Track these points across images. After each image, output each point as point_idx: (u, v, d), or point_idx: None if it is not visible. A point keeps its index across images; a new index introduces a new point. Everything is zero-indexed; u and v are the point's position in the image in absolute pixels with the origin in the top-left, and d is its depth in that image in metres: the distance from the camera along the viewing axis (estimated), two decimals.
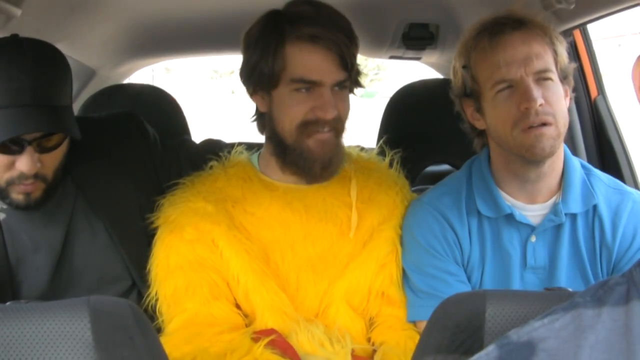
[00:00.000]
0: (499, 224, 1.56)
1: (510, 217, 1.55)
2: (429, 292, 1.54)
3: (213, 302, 1.51)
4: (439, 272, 1.55)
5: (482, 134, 1.61)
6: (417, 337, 1.48)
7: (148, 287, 1.56)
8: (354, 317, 1.57)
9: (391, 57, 2.96)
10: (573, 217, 1.55)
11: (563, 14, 1.77)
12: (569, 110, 1.56)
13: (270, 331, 1.49)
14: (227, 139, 2.00)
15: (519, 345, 0.84)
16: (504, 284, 1.55)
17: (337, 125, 1.55)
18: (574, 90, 1.63)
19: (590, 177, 1.58)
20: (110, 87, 2.67)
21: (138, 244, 1.59)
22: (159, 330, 1.52)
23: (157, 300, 1.54)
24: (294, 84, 1.51)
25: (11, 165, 1.43)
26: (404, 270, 1.60)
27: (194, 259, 1.52)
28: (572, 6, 1.69)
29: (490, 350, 0.87)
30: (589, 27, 2.20)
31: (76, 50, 2.35)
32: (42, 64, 1.43)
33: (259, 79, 1.54)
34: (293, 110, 1.52)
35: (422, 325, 1.34)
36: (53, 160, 1.48)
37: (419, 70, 2.57)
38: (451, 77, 1.63)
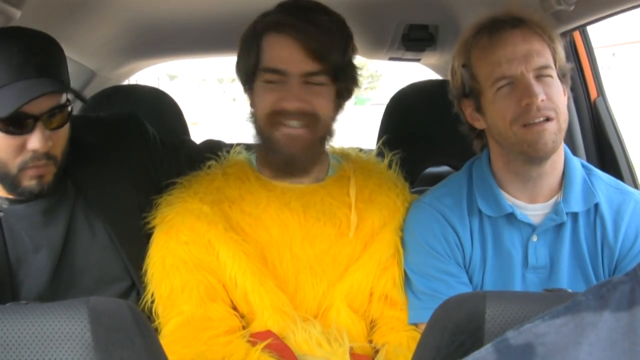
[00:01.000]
0: (500, 223, 1.56)
1: (511, 217, 1.55)
2: (430, 293, 1.54)
3: (209, 303, 1.51)
4: (440, 274, 1.55)
5: (481, 134, 1.61)
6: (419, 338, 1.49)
7: (145, 287, 1.56)
8: (354, 319, 1.56)
9: (391, 59, 2.96)
10: (574, 216, 1.55)
11: (563, 15, 1.77)
12: (568, 109, 1.56)
13: (267, 334, 1.49)
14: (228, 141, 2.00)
15: (517, 346, 0.84)
16: (506, 283, 1.55)
17: (311, 123, 1.53)
18: (573, 90, 1.64)
19: (591, 177, 1.58)
20: (110, 88, 2.67)
21: (137, 244, 1.59)
22: (156, 330, 1.52)
23: (153, 301, 1.54)
24: (265, 74, 1.53)
25: (22, 148, 1.43)
26: (405, 272, 1.60)
27: (190, 260, 1.52)
28: (572, 8, 1.69)
29: (491, 350, 0.86)
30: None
31: (76, 52, 2.35)
32: (40, 42, 1.46)
33: (243, 76, 1.59)
34: (263, 101, 1.54)
35: (423, 327, 1.34)
36: (60, 139, 1.49)
37: (413, 78, 2.58)
38: (449, 77, 1.63)
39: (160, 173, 1.71)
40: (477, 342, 1.04)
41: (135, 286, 1.61)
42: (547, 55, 1.49)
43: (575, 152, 2.18)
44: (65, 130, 1.50)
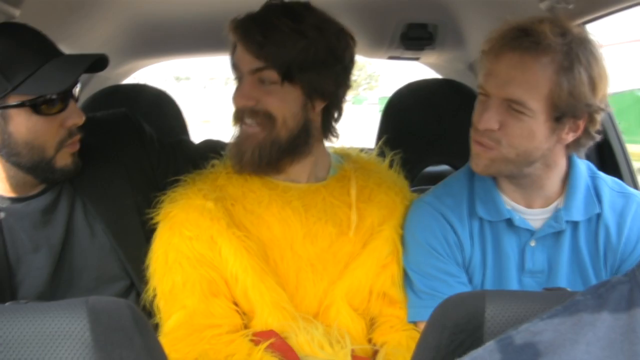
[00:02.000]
0: (500, 227, 1.56)
1: (510, 221, 1.55)
2: (430, 292, 1.54)
3: (212, 299, 1.51)
4: (440, 273, 1.55)
5: None
6: (418, 337, 1.49)
7: (146, 283, 1.56)
8: (354, 318, 1.57)
9: (390, 58, 2.96)
10: (575, 224, 1.55)
11: (562, 13, 1.77)
12: None
13: (270, 333, 1.49)
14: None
15: (518, 345, 0.84)
16: (503, 286, 1.55)
17: (265, 122, 1.53)
18: None
19: (596, 181, 1.58)
20: (109, 88, 2.67)
21: (135, 244, 1.59)
22: (157, 326, 1.52)
23: (155, 296, 1.54)
24: (233, 72, 1.58)
25: (60, 126, 1.46)
26: (404, 271, 1.60)
27: (193, 255, 1.52)
28: (571, 6, 1.69)
29: (491, 349, 0.87)
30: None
31: (75, 51, 2.33)
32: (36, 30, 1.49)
33: None
34: (232, 98, 1.57)
35: (423, 326, 1.34)
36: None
37: (410, 78, 2.58)
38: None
39: (158, 172, 1.71)
40: (476, 342, 1.04)
41: (134, 286, 1.61)
42: (530, 91, 1.41)
43: None
44: None
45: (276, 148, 1.54)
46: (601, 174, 1.61)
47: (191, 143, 1.96)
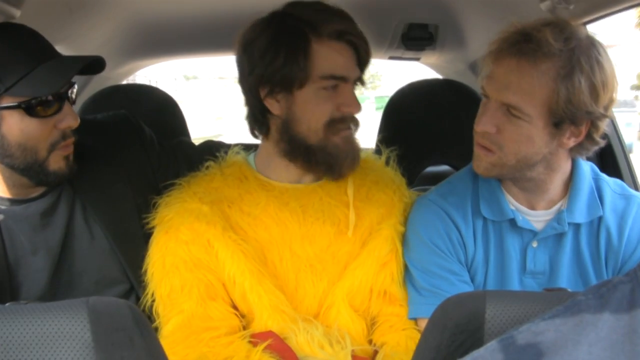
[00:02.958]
0: (503, 227, 1.56)
1: (513, 222, 1.55)
2: (432, 290, 1.54)
3: (209, 302, 1.51)
4: (443, 271, 1.55)
5: None
6: (417, 336, 1.49)
7: (145, 287, 1.56)
8: (355, 318, 1.56)
9: (390, 58, 2.96)
10: (577, 226, 1.55)
11: (562, 14, 1.77)
12: None
13: (268, 334, 1.49)
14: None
15: (520, 345, 0.84)
16: (504, 287, 1.55)
17: (355, 122, 1.59)
18: None
19: (598, 182, 1.58)
20: (110, 88, 2.67)
21: (136, 247, 1.58)
22: (157, 330, 1.52)
23: (154, 300, 1.54)
24: (323, 81, 1.51)
25: (52, 129, 1.45)
26: (406, 267, 1.60)
27: (190, 259, 1.52)
28: (572, 6, 1.69)
29: (493, 348, 0.86)
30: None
31: (75, 51, 2.34)
32: (34, 30, 1.49)
33: (281, 81, 1.51)
34: (320, 109, 1.52)
35: (423, 322, 1.34)
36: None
37: (411, 78, 2.59)
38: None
39: (158, 174, 1.70)
40: (477, 342, 1.04)
41: (134, 289, 1.61)
42: (527, 98, 1.40)
43: None
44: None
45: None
46: (604, 176, 1.61)
47: (191, 144, 1.95)
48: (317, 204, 1.60)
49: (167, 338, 1.48)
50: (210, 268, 1.52)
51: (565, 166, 1.54)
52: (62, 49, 1.55)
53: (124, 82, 3.18)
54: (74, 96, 1.52)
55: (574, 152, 1.52)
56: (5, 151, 1.43)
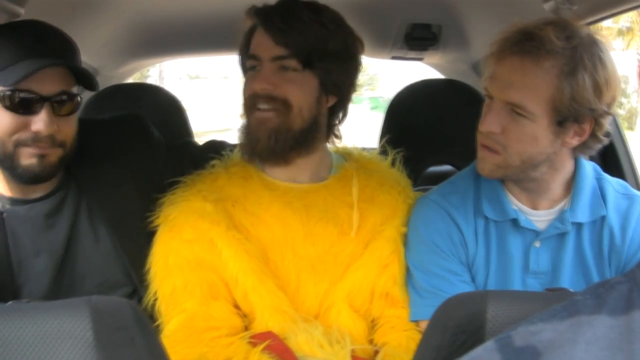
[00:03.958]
0: (505, 227, 1.56)
1: (516, 221, 1.54)
2: (432, 291, 1.53)
3: (212, 302, 1.50)
4: (443, 272, 1.55)
5: None
6: (419, 337, 1.48)
7: (147, 287, 1.55)
8: (355, 319, 1.56)
9: (393, 58, 2.96)
10: (579, 225, 1.54)
11: (565, 14, 1.77)
12: None
13: (268, 335, 1.48)
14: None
15: (517, 345, 0.84)
16: (506, 287, 1.55)
17: (280, 107, 1.54)
18: None
19: (601, 182, 1.57)
20: (112, 87, 2.68)
21: (140, 250, 1.57)
22: (159, 329, 1.51)
23: (156, 299, 1.54)
24: (247, 62, 1.59)
25: (24, 127, 1.43)
26: (407, 269, 1.60)
27: (193, 258, 1.52)
28: (575, 7, 1.69)
29: (491, 348, 0.86)
30: None
31: None
32: (54, 31, 1.50)
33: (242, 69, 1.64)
34: (245, 88, 1.58)
35: (425, 324, 1.34)
36: (68, 126, 1.49)
37: (409, 79, 2.59)
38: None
39: (164, 176, 1.69)
40: (478, 342, 1.04)
41: (137, 292, 1.60)
42: (530, 95, 1.40)
43: None
44: (73, 119, 1.51)
45: (290, 136, 1.56)
46: (606, 176, 1.61)
47: (196, 145, 1.95)
48: (321, 203, 1.59)
49: (169, 337, 1.48)
50: (213, 267, 1.52)
51: (568, 166, 1.54)
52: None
53: (130, 80, 3.19)
54: (62, 107, 1.47)
55: (578, 151, 1.52)
56: None
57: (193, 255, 1.52)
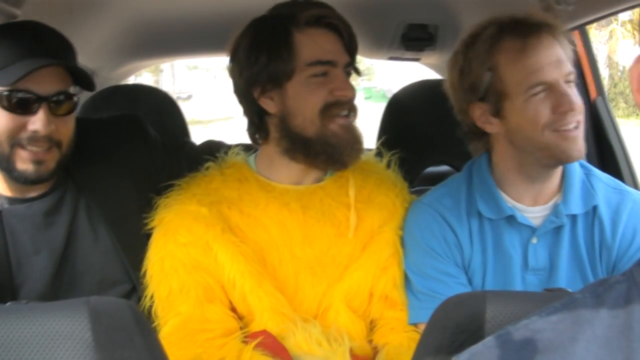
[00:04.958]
0: (500, 225, 1.56)
1: (511, 219, 1.54)
2: (429, 294, 1.54)
3: (207, 305, 1.50)
4: (439, 274, 1.55)
5: (483, 137, 1.59)
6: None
7: (145, 289, 1.56)
8: (354, 319, 1.56)
9: (390, 58, 2.96)
10: (573, 218, 1.55)
11: (562, 14, 1.77)
12: None
13: (261, 333, 1.48)
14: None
15: (517, 342, 0.84)
16: (506, 286, 1.55)
17: (353, 109, 1.57)
18: None
19: (589, 177, 1.58)
20: (110, 88, 2.67)
21: (139, 248, 1.57)
22: (156, 331, 1.52)
23: (153, 302, 1.54)
24: (310, 68, 1.51)
25: (21, 127, 1.43)
26: (405, 272, 1.60)
27: (188, 261, 1.51)
28: (572, 7, 1.69)
29: (490, 344, 0.86)
30: None
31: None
32: (52, 32, 1.50)
33: (269, 77, 1.51)
34: (313, 97, 1.51)
35: (423, 327, 1.34)
36: (66, 126, 1.49)
37: (403, 71, 2.60)
38: (457, 80, 1.56)
39: (162, 176, 1.69)
40: (477, 342, 1.04)
41: (135, 290, 1.61)
42: (569, 61, 1.48)
43: None
44: (70, 119, 1.51)
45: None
46: (595, 170, 1.61)
47: (194, 145, 1.95)
48: (317, 205, 1.59)
49: (164, 339, 1.47)
50: (209, 270, 1.51)
51: None
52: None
53: (146, 71, 3.18)
54: (59, 107, 1.47)
55: None
56: None
57: (188, 258, 1.52)
